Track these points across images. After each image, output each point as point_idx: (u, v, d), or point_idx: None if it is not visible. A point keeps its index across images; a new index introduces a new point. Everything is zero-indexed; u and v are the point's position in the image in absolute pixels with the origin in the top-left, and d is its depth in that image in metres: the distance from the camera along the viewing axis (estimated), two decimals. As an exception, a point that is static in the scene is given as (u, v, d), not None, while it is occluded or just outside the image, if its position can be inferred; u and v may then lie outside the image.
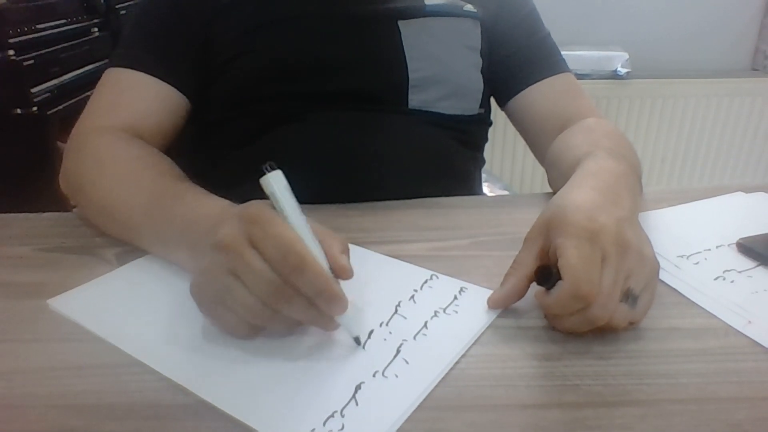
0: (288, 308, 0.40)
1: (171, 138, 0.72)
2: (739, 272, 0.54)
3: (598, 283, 0.41)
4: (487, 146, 0.88)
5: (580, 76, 1.80)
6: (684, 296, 0.50)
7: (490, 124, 0.86)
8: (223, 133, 0.76)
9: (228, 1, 0.72)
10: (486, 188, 0.90)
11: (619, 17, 1.99)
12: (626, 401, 0.39)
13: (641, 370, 0.41)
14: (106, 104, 0.69)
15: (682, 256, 0.56)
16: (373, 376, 0.41)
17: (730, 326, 0.46)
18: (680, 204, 0.67)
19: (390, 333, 0.45)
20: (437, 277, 0.53)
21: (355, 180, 0.71)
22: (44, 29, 1.47)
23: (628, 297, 0.43)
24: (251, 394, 0.39)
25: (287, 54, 0.72)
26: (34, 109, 1.39)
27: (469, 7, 0.78)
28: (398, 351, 0.43)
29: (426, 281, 0.52)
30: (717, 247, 0.58)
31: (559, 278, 0.42)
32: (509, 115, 0.83)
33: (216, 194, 0.53)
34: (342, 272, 0.43)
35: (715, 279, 0.53)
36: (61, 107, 1.46)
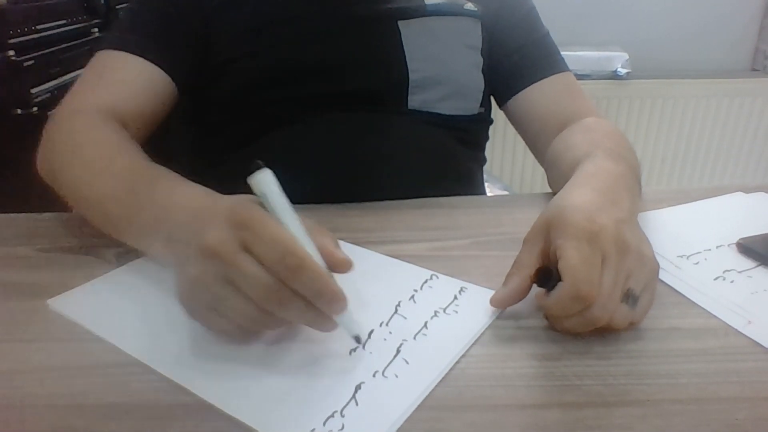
0: (285, 311, 0.39)
1: (153, 122, 0.70)
2: (739, 272, 0.54)
3: (598, 284, 0.41)
4: (487, 146, 0.88)
5: (580, 77, 1.80)
6: (684, 296, 0.50)
7: (491, 122, 0.86)
8: (224, 134, 0.76)
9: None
10: (486, 188, 0.90)
11: (619, 17, 1.99)
12: (626, 401, 0.39)
13: (641, 370, 0.41)
14: (88, 86, 0.68)
15: (682, 256, 0.56)
16: (373, 376, 0.41)
17: (730, 326, 0.46)
18: (680, 204, 0.67)
19: (390, 333, 0.45)
20: (437, 277, 0.53)
21: (356, 180, 0.70)
22: (44, 30, 1.46)
23: (629, 297, 0.43)
24: (251, 394, 0.39)
25: (288, 56, 0.72)
26: (34, 109, 1.38)
27: (469, 5, 0.78)
28: (398, 351, 0.43)
29: (426, 281, 0.52)
30: (717, 247, 0.58)
31: (560, 279, 0.42)
32: (508, 115, 0.83)
33: None
34: (342, 265, 0.42)
35: (715, 279, 0.53)
36: (61, 108, 1.46)
